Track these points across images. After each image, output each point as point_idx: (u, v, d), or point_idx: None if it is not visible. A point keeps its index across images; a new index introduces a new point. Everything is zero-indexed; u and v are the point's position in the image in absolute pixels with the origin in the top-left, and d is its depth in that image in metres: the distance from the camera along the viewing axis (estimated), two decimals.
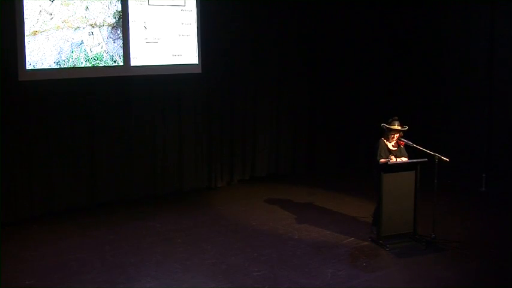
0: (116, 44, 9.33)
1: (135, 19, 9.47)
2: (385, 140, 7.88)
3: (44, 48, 8.71)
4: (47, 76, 8.76)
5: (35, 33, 8.62)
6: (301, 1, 11.05)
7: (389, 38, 11.74)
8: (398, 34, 11.69)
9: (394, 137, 7.84)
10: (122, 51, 9.36)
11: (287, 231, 8.32)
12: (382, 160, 7.73)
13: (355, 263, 7.25)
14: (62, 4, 8.81)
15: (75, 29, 8.95)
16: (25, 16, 8.51)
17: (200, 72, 10.15)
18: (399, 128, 7.81)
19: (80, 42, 9.01)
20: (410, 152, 7.98)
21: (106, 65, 9.27)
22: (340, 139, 11.75)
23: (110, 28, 9.26)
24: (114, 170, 9.49)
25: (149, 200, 9.74)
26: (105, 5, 9.18)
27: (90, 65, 9.12)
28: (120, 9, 9.31)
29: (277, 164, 11.27)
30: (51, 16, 8.74)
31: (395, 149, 7.89)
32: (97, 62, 9.18)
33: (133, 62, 9.50)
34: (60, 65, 8.87)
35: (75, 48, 8.98)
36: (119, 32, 9.33)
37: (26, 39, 8.55)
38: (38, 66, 8.70)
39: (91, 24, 9.08)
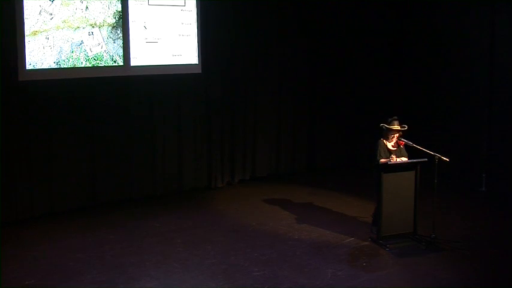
0: (116, 44, 9.33)
1: (135, 19, 9.47)
2: (384, 140, 7.89)
3: (44, 48, 8.71)
4: (47, 76, 8.76)
5: (35, 33, 8.62)
6: (301, 0, 11.05)
7: (390, 38, 11.74)
8: (399, 33, 11.69)
9: (394, 137, 7.85)
10: (122, 51, 9.36)
11: (287, 231, 8.32)
12: (382, 160, 7.73)
13: (355, 263, 7.25)
14: (62, 4, 8.81)
15: (75, 29, 8.95)
16: (25, 16, 8.51)
17: (200, 72, 10.15)
18: (399, 127, 7.81)
19: (80, 42, 9.01)
20: (410, 152, 7.98)
21: (106, 65, 9.27)
22: (340, 139, 11.76)
23: (110, 28, 9.26)
24: (114, 170, 9.49)
25: (149, 200, 9.75)
26: (105, 5, 9.18)
27: (90, 65, 9.13)
28: (120, 9, 9.31)
29: (277, 164, 11.28)
30: (51, 16, 8.74)
31: (395, 148, 7.89)
32: (97, 62, 9.18)
33: (133, 62, 9.50)
34: (60, 65, 8.87)
35: (75, 48, 8.98)
36: (119, 32, 9.33)
37: (26, 39, 8.55)
38: (38, 66, 8.70)
39: (91, 24, 9.08)
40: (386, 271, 7.08)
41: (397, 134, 7.85)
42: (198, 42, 10.07)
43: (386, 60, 11.77)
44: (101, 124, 9.33)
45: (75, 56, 8.98)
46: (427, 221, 7.82)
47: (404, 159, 7.89)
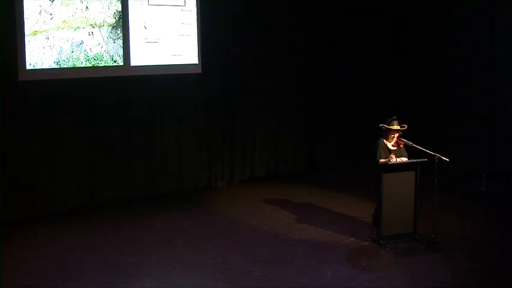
0: (116, 44, 9.33)
1: (135, 19, 9.47)
2: (384, 140, 7.88)
3: (44, 48, 8.71)
4: (47, 76, 8.76)
5: (35, 33, 8.62)
6: (301, 0, 11.05)
7: (390, 38, 11.75)
8: (399, 34, 11.69)
9: (393, 136, 7.85)
10: (122, 51, 9.36)
11: (287, 231, 8.31)
12: (382, 160, 7.73)
13: (355, 263, 7.25)
14: (62, 4, 8.81)
15: (75, 29, 8.95)
16: (25, 16, 8.51)
17: (200, 72, 10.15)
18: (398, 127, 7.81)
19: (80, 42, 9.01)
20: (410, 152, 7.98)
21: (106, 65, 9.27)
22: (340, 139, 11.75)
23: (110, 28, 9.26)
24: (114, 170, 9.49)
25: (149, 200, 9.74)
26: (105, 5, 9.18)
27: (90, 65, 9.13)
28: (120, 9, 9.31)
29: (277, 164, 11.27)
30: (51, 16, 8.74)
31: (395, 148, 7.89)
32: (97, 62, 9.18)
33: (134, 62, 9.50)
34: (60, 65, 8.87)
35: (75, 48, 8.98)
36: (119, 32, 9.33)
37: (26, 39, 8.55)
38: (38, 66, 8.70)
39: (91, 24, 9.08)
40: (386, 271, 7.09)
41: (397, 134, 7.85)
42: (198, 42, 10.06)
43: (386, 60, 11.76)
44: (101, 124, 9.32)
45: (75, 56, 8.98)
46: (427, 221, 7.81)
47: (404, 159, 7.89)
